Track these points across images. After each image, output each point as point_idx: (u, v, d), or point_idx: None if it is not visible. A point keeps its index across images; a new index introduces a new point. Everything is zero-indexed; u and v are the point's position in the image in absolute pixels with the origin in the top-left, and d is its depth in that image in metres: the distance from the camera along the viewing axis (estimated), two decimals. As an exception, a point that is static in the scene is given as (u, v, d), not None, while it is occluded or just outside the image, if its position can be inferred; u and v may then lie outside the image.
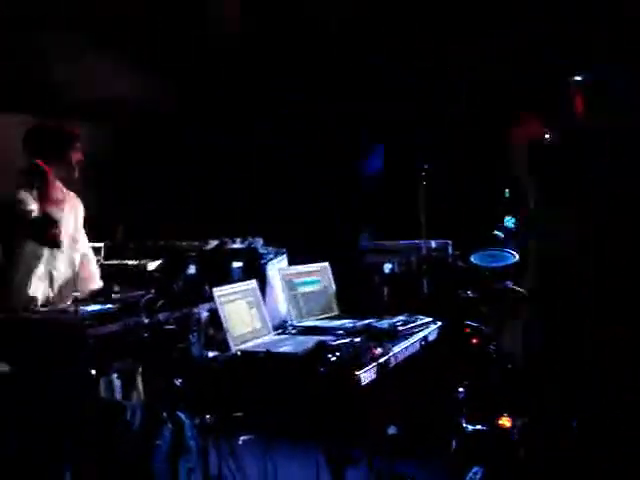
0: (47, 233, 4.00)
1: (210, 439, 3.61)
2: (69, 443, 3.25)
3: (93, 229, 4.50)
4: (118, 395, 3.99)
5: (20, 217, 4.01)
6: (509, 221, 5.35)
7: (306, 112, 6.95)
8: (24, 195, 4.04)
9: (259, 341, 3.76)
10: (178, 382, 3.44)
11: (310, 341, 3.51)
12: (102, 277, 4.64)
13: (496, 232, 5.35)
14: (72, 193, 4.37)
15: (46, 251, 4.14)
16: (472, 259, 5.17)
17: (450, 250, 5.28)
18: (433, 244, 5.17)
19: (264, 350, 3.45)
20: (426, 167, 4.81)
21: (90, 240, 4.51)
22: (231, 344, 3.57)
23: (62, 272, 4.23)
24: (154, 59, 5.90)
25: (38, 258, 4.09)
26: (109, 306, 3.43)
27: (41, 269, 4.10)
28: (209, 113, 7.07)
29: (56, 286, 4.19)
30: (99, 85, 6.14)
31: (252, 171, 7.22)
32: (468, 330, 4.57)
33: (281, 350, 3.50)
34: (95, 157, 5.05)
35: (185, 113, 7.05)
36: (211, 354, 3.54)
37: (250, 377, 3.38)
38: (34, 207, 4.04)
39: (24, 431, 3.22)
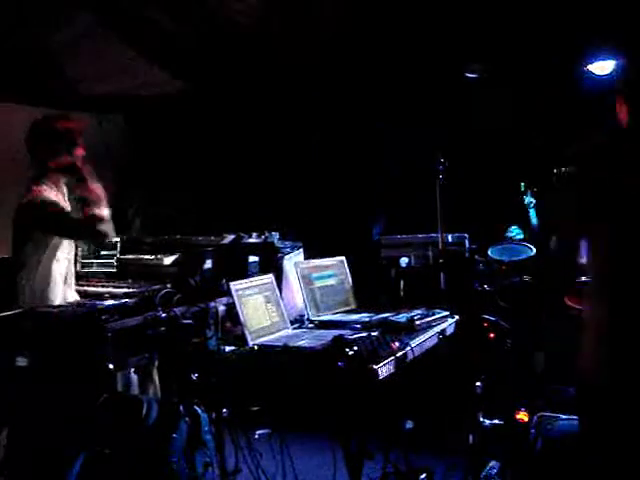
0: (97, 230, 4.00)
1: (227, 433, 3.62)
2: (87, 437, 3.25)
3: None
4: (135, 389, 4.02)
5: (61, 218, 4.05)
6: (514, 231, 5.31)
7: (323, 106, 6.94)
8: (50, 194, 4.06)
9: (276, 335, 3.75)
10: (195, 376, 3.43)
11: (327, 335, 3.49)
12: (118, 272, 4.68)
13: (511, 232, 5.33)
14: None
15: (65, 253, 4.16)
16: (490, 253, 5.15)
17: (467, 244, 5.27)
18: (450, 238, 5.16)
19: (281, 344, 3.45)
20: (443, 161, 4.79)
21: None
22: (248, 338, 3.57)
23: (73, 273, 4.26)
24: (167, 52, 5.90)
25: (58, 261, 4.12)
26: (126, 300, 3.43)
27: (61, 271, 4.13)
28: (228, 107, 7.07)
29: (71, 286, 4.22)
30: (115, 78, 6.16)
31: (269, 165, 7.22)
32: (485, 324, 4.55)
33: (298, 344, 3.49)
34: (110, 150, 5.10)
35: (204, 107, 7.05)
36: (228, 348, 3.54)
37: (267, 371, 3.37)
38: (67, 206, 4.07)
39: (42, 424, 3.22)
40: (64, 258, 4.17)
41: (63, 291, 4.15)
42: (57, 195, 4.13)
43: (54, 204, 4.03)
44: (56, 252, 4.12)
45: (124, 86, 6.38)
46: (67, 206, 4.17)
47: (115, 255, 5.05)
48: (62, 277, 4.16)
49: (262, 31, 5.50)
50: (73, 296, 4.22)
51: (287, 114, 7.09)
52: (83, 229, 4.03)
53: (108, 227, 4.01)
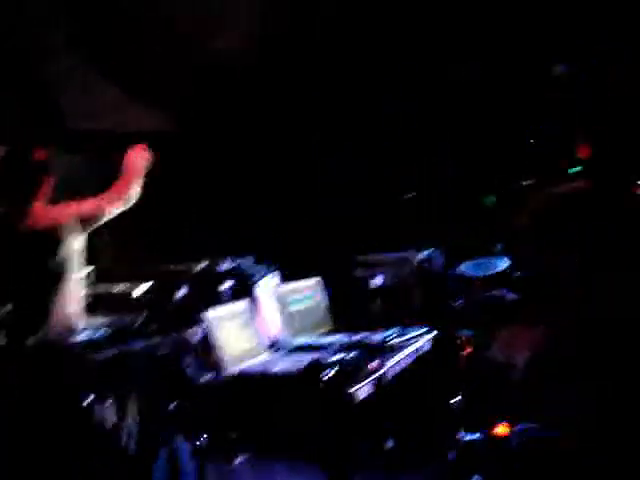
0: None
1: (207, 461, 3.61)
2: (67, 468, 3.24)
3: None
4: (113, 420, 4.00)
5: None
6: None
7: (291, 125, 6.97)
8: None
9: (254, 361, 3.75)
10: (173, 405, 3.43)
11: (305, 359, 3.49)
12: (90, 303, 4.64)
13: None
14: None
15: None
16: (462, 269, 5.19)
17: (440, 260, 5.30)
18: (423, 255, 5.19)
19: (259, 370, 3.45)
20: (415, 179, 4.84)
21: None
22: (225, 365, 3.57)
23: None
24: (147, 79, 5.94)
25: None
26: (103, 331, 3.43)
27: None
28: (202, 137, 7.09)
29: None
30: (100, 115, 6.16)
31: (241, 188, 7.23)
32: (461, 340, 4.57)
33: (276, 369, 3.50)
34: (77, 181, 5.05)
35: (180, 139, 7.07)
36: (206, 376, 3.53)
37: (246, 397, 3.38)
38: None
39: (22, 458, 3.20)
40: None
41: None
42: None
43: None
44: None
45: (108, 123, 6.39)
46: None
47: (88, 285, 5.01)
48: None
49: (245, 65, 5.55)
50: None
51: (258, 138, 7.11)
52: None
53: None
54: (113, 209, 3.96)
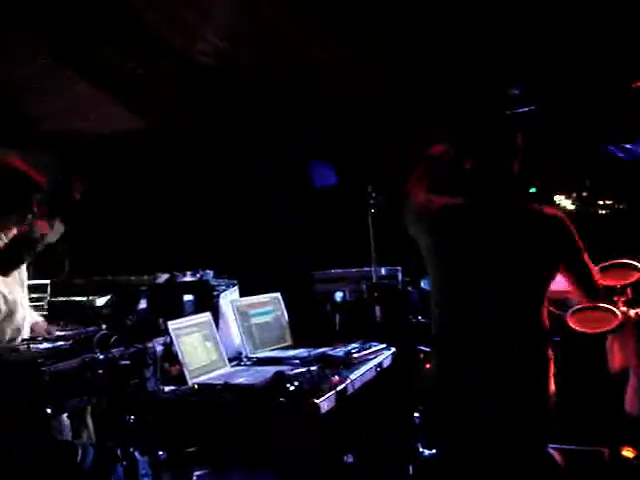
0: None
1: (165, 475, 3.57)
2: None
3: (39, 265, 4.43)
4: (68, 434, 3.94)
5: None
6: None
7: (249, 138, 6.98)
8: None
9: (216, 374, 3.73)
10: (131, 419, 3.39)
11: (267, 372, 3.51)
12: (49, 315, 4.57)
13: None
14: None
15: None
16: (422, 284, 5.21)
17: (400, 277, 5.33)
18: (383, 271, 5.21)
19: (222, 382, 3.44)
20: (375, 195, 4.85)
21: (36, 277, 4.44)
22: (188, 377, 3.55)
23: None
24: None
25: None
26: (62, 343, 3.37)
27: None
28: (164, 147, 7.07)
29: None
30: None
31: (199, 204, 7.21)
32: (421, 355, 4.60)
33: (238, 382, 3.49)
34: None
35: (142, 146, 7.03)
36: (167, 388, 3.51)
37: (208, 410, 3.36)
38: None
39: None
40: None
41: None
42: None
43: None
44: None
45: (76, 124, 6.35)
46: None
47: (46, 297, 4.96)
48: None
49: (228, 70, 5.56)
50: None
51: (222, 150, 7.11)
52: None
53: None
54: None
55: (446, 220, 3.22)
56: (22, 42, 4.96)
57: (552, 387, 3.14)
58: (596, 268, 3.40)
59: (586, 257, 3.23)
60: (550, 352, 3.16)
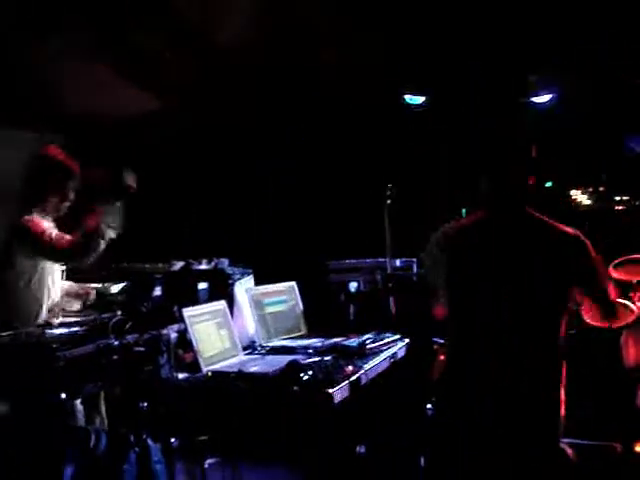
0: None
1: (177, 463, 3.57)
2: (36, 468, 3.19)
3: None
4: (82, 420, 3.95)
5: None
6: None
7: (273, 133, 6.98)
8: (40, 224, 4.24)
9: (229, 362, 3.74)
10: (144, 405, 3.39)
11: (280, 361, 3.50)
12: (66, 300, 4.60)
13: None
14: None
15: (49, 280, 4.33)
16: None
17: (415, 268, 5.31)
18: (398, 262, 5.20)
19: (235, 370, 3.43)
20: (390, 186, 4.83)
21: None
22: (202, 365, 3.55)
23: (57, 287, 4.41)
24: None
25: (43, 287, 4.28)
26: (77, 329, 3.38)
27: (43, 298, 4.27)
28: (186, 133, 7.07)
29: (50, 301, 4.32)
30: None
31: (217, 191, 7.21)
32: (435, 347, 4.58)
33: (252, 370, 3.49)
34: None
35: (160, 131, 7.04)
36: (181, 375, 3.51)
37: (222, 397, 3.35)
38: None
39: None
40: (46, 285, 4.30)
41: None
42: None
43: (40, 233, 4.18)
44: (40, 278, 4.26)
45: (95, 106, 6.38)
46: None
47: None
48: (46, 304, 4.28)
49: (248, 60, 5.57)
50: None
51: (239, 140, 7.11)
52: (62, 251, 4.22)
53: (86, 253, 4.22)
54: None
55: (463, 239, 3.21)
56: (41, 24, 4.97)
57: (562, 396, 3.12)
58: (613, 288, 3.37)
59: (603, 276, 3.19)
60: (564, 369, 3.14)
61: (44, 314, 4.25)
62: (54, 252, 4.23)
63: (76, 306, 4.50)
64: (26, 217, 4.22)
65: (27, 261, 4.21)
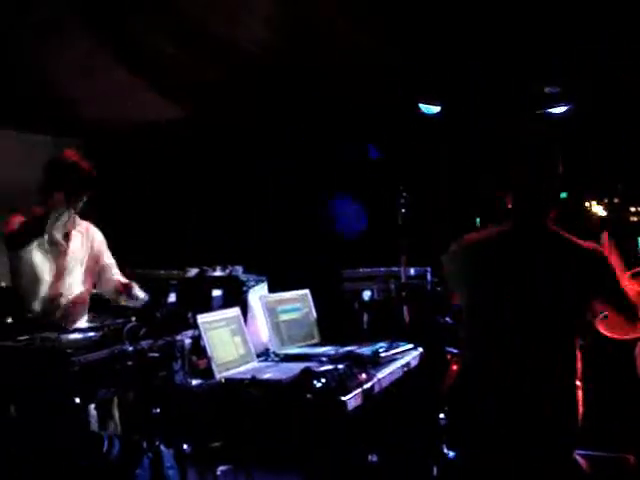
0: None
1: (190, 469, 3.58)
2: (50, 471, 3.20)
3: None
4: (95, 426, 3.96)
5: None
6: None
7: (285, 139, 7.00)
8: None
9: (243, 368, 3.75)
10: (158, 410, 3.40)
11: (294, 368, 3.50)
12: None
13: None
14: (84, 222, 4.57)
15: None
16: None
17: (429, 277, 5.31)
18: (412, 271, 5.20)
19: (249, 377, 3.44)
20: (405, 195, 4.84)
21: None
22: (215, 371, 3.56)
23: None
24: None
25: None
26: (92, 334, 3.40)
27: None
28: (200, 138, 7.10)
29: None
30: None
31: (231, 199, 7.23)
32: (448, 356, 4.57)
33: (266, 377, 3.50)
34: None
35: (176, 138, 7.07)
36: (195, 382, 3.52)
37: (235, 404, 3.36)
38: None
39: (6, 459, 3.17)
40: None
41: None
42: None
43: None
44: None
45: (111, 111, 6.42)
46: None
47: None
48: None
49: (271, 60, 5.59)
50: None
51: (252, 147, 7.13)
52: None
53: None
54: None
55: (486, 249, 3.22)
56: (61, 27, 5.00)
57: (580, 408, 3.12)
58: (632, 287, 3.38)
59: (622, 284, 3.20)
60: (579, 383, 3.14)
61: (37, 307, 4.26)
62: None
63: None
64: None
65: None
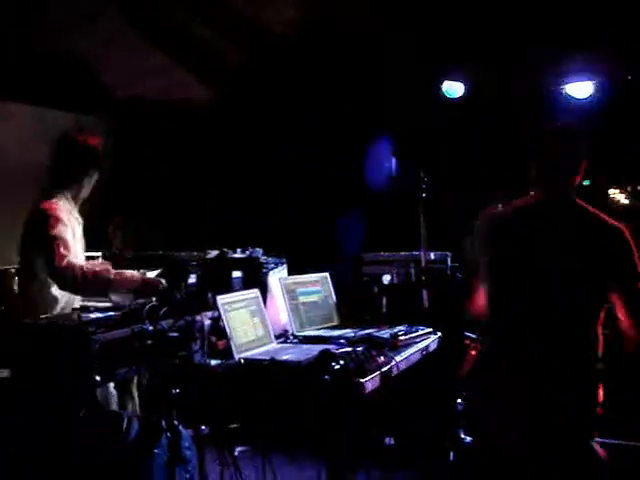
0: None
1: (208, 449, 3.60)
2: (69, 450, 3.22)
3: (90, 238, 4.48)
4: (114, 405, 3.99)
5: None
6: None
7: (307, 124, 6.99)
8: (63, 211, 4.11)
9: (262, 349, 3.75)
10: (176, 391, 3.41)
11: (313, 350, 3.51)
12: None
13: None
14: None
15: None
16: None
17: (449, 261, 5.30)
18: (432, 256, 5.19)
19: (268, 358, 3.45)
20: (426, 179, 4.83)
21: (87, 249, 4.49)
22: (234, 352, 3.57)
23: None
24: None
25: None
26: (112, 313, 3.41)
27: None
28: (221, 121, 7.10)
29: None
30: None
31: (252, 181, 7.24)
32: (467, 341, 4.57)
33: (285, 358, 3.50)
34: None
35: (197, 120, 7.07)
36: (214, 362, 3.53)
37: (254, 385, 3.37)
38: (76, 223, 4.20)
39: (25, 436, 3.19)
40: None
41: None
42: (70, 212, 4.18)
43: (58, 234, 4.00)
44: None
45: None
46: (75, 222, 4.22)
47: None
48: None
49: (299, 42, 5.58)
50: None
51: (271, 130, 7.12)
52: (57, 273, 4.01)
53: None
54: None
55: (512, 221, 3.25)
56: (96, 6, 5.01)
57: (600, 395, 3.10)
58: None
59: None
60: (598, 365, 3.12)
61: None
62: (52, 265, 3.98)
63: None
64: (46, 202, 4.10)
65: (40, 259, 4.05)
